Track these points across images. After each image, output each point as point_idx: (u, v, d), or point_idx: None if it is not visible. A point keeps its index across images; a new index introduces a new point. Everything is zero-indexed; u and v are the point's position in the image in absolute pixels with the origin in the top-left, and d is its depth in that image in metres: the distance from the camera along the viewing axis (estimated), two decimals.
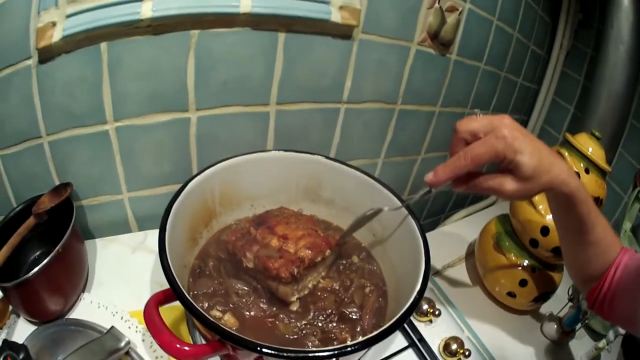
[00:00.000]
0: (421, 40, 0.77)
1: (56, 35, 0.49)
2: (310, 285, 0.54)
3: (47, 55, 0.51)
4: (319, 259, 0.53)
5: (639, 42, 0.97)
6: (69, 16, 0.49)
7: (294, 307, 0.52)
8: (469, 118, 0.45)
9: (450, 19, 0.78)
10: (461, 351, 0.64)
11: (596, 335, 0.82)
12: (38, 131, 0.56)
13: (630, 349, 0.82)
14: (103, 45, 0.53)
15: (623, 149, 1.09)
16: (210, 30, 0.57)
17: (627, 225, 0.96)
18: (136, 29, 0.53)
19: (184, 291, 0.40)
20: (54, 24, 0.49)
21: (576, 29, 1.20)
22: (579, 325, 0.76)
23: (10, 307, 0.53)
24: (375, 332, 0.40)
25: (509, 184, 0.44)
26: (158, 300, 0.43)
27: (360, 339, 0.40)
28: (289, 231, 0.54)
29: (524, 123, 1.34)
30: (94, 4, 0.50)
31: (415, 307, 0.44)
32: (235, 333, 0.38)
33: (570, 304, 0.82)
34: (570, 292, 0.88)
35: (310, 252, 0.51)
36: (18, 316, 0.53)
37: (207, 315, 0.39)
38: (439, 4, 0.74)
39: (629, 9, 0.95)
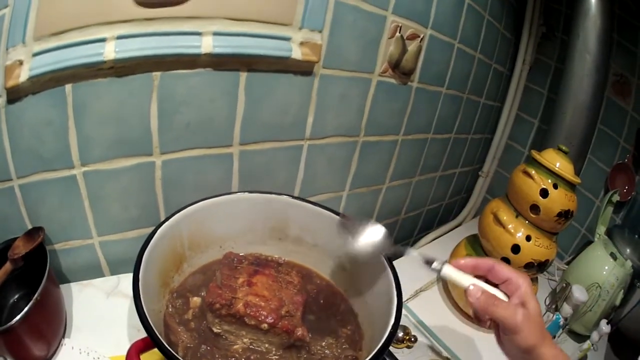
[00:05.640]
0: (382, 71, 0.78)
1: (23, 75, 0.49)
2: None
3: (15, 95, 0.50)
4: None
5: (605, 51, 0.95)
6: (35, 55, 0.49)
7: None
8: (490, 303, 0.45)
9: (412, 46, 0.79)
10: None
11: (579, 337, 0.83)
12: (9, 174, 0.55)
13: (619, 343, 0.83)
14: (68, 88, 0.52)
15: (592, 154, 1.10)
16: (172, 72, 0.57)
17: (601, 230, 0.96)
18: (99, 70, 0.53)
19: (163, 341, 0.40)
20: (21, 63, 0.49)
21: (539, 42, 1.19)
22: (560, 331, 0.76)
23: None
24: None
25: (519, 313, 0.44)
26: (138, 348, 0.44)
27: None
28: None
29: (489, 141, 1.35)
30: (59, 43, 0.49)
31: (389, 343, 0.45)
32: None
33: (549, 312, 0.83)
34: (547, 302, 0.89)
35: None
36: None
37: None
38: (400, 32, 0.75)
39: (597, 16, 0.92)
